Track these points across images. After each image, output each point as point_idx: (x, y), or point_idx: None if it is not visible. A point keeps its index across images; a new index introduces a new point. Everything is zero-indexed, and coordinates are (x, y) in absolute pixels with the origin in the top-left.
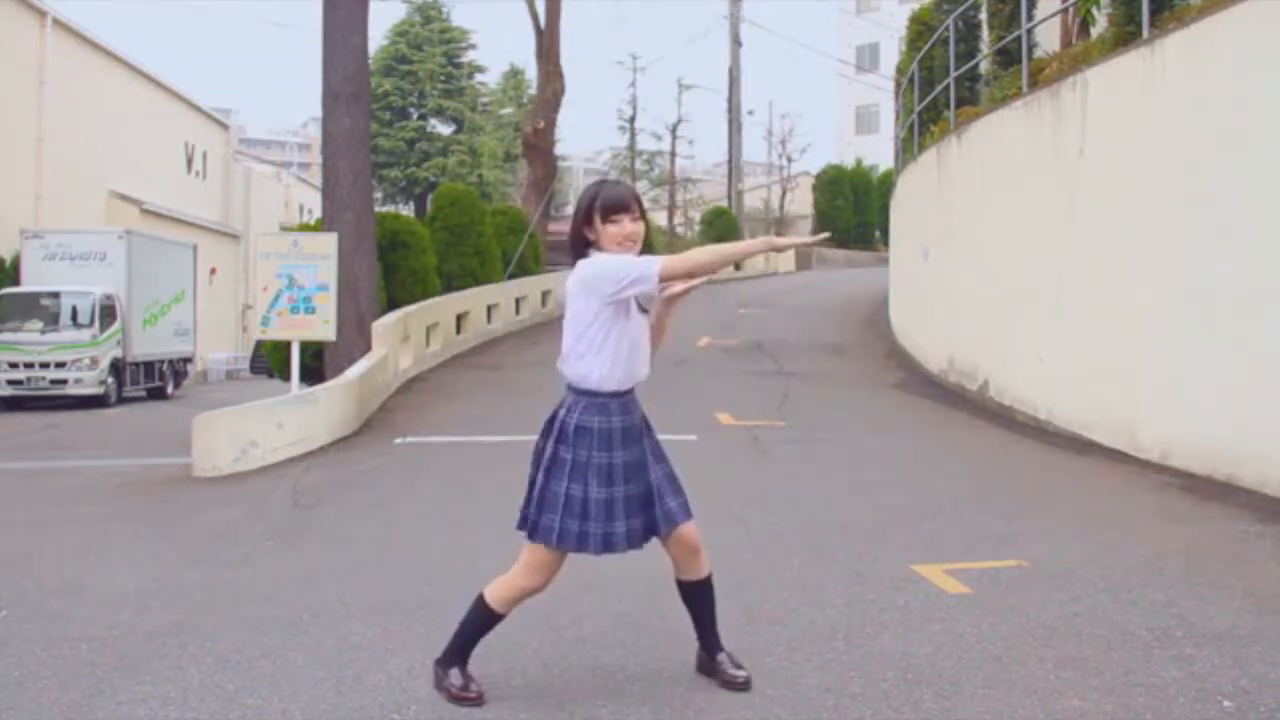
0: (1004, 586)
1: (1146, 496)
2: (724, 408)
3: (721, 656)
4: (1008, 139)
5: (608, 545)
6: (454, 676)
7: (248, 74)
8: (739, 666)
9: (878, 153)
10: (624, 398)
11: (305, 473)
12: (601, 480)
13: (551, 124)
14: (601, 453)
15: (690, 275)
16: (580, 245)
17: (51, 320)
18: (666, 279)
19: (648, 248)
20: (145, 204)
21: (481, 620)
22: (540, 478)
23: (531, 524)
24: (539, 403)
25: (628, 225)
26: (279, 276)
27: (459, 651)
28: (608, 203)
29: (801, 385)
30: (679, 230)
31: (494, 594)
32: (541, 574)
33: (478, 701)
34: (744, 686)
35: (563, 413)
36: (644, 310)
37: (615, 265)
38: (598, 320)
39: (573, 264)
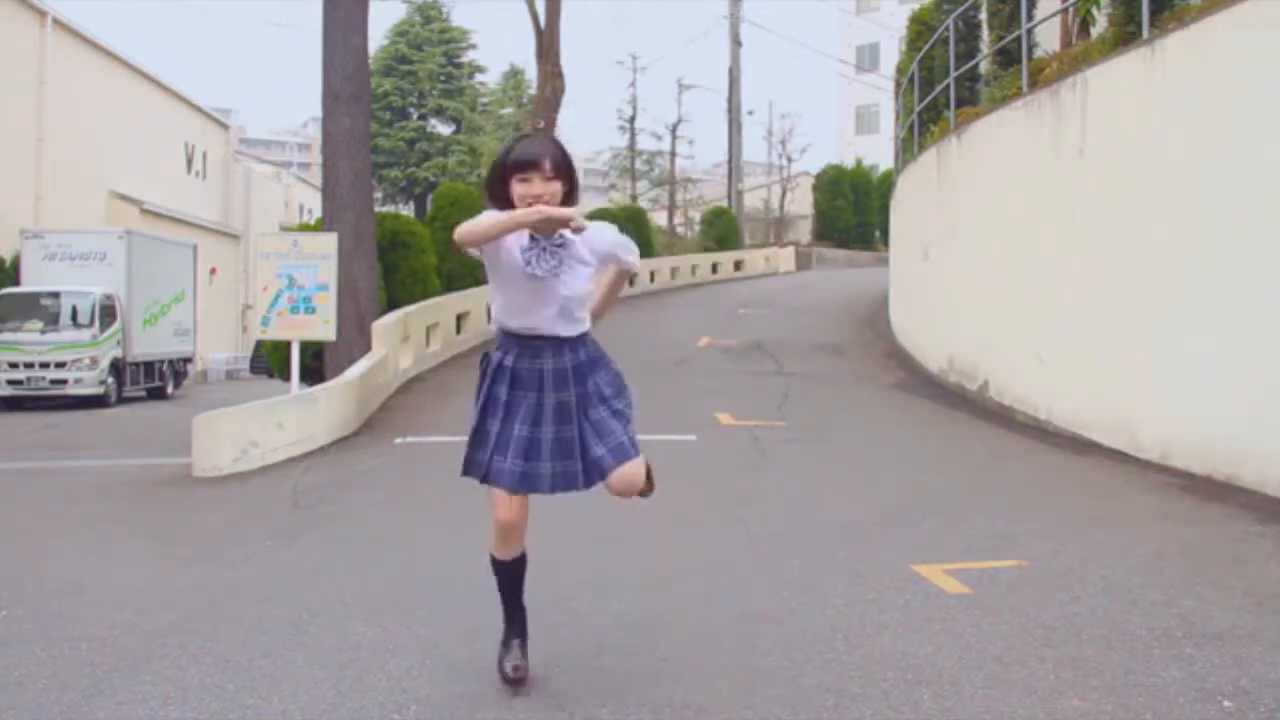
0: (1004, 586)
1: (1146, 496)
2: (724, 408)
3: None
4: (1008, 139)
5: (467, 468)
6: (510, 650)
7: (248, 74)
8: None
9: (878, 153)
10: (531, 342)
11: (305, 473)
12: (478, 407)
13: (551, 124)
14: (484, 381)
15: (464, 242)
16: (496, 200)
17: (51, 320)
18: (461, 243)
19: (646, 248)
20: (145, 204)
21: (497, 576)
22: None
23: None
24: None
25: (537, 186)
26: (279, 276)
27: (506, 621)
28: (516, 159)
29: (801, 385)
30: (679, 230)
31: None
32: (496, 509)
33: (513, 682)
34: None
35: None
36: (551, 275)
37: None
38: (489, 268)
39: None
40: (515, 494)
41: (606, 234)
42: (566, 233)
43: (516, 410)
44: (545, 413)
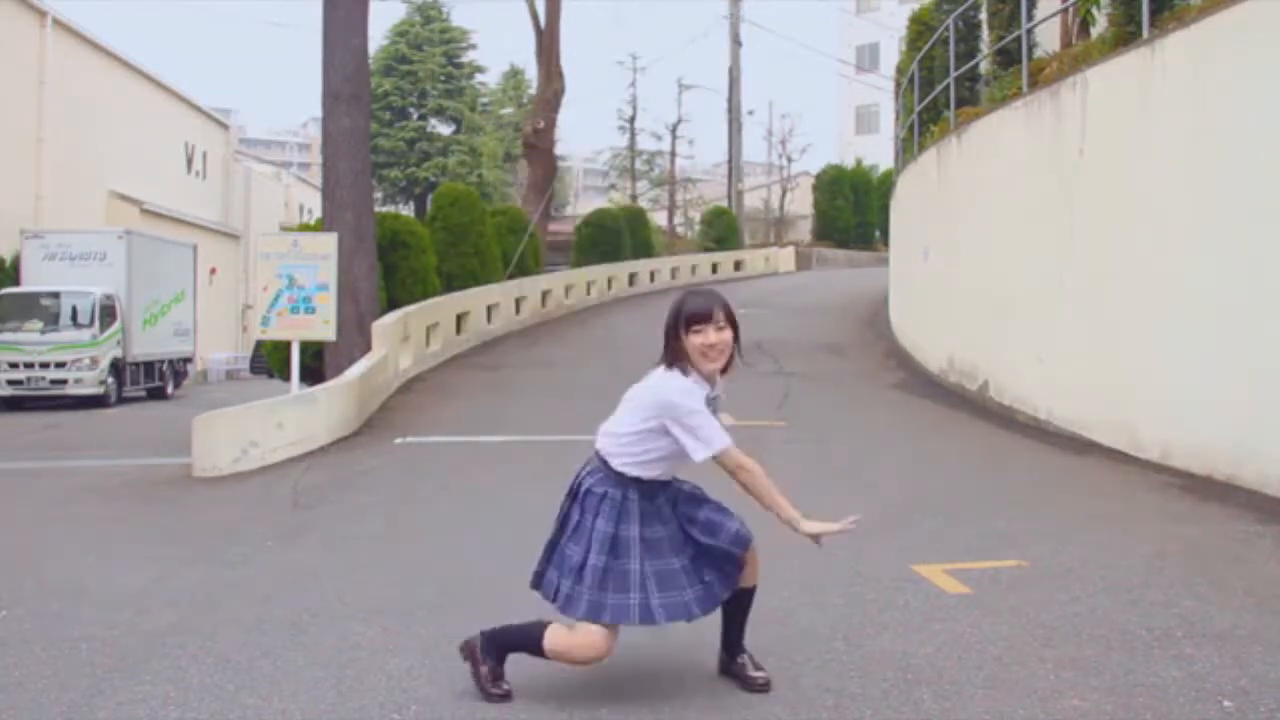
0: (1004, 586)
1: (1146, 496)
2: (724, 407)
3: (743, 659)
4: (1008, 139)
5: (616, 615)
6: (492, 668)
7: (248, 74)
8: (759, 668)
9: (878, 153)
10: (651, 485)
11: (305, 473)
12: (614, 549)
13: (551, 124)
14: (614, 520)
15: (736, 475)
16: (675, 350)
17: (51, 320)
18: (722, 462)
19: (646, 248)
20: (145, 204)
21: (529, 653)
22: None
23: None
24: (538, 402)
25: (711, 335)
26: (279, 276)
27: (499, 648)
28: (690, 314)
29: (801, 385)
30: (679, 230)
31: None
32: (599, 645)
33: (505, 698)
34: (764, 688)
35: (614, 492)
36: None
37: (690, 414)
38: (650, 435)
39: (664, 363)
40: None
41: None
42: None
43: (657, 546)
44: (669, 543)
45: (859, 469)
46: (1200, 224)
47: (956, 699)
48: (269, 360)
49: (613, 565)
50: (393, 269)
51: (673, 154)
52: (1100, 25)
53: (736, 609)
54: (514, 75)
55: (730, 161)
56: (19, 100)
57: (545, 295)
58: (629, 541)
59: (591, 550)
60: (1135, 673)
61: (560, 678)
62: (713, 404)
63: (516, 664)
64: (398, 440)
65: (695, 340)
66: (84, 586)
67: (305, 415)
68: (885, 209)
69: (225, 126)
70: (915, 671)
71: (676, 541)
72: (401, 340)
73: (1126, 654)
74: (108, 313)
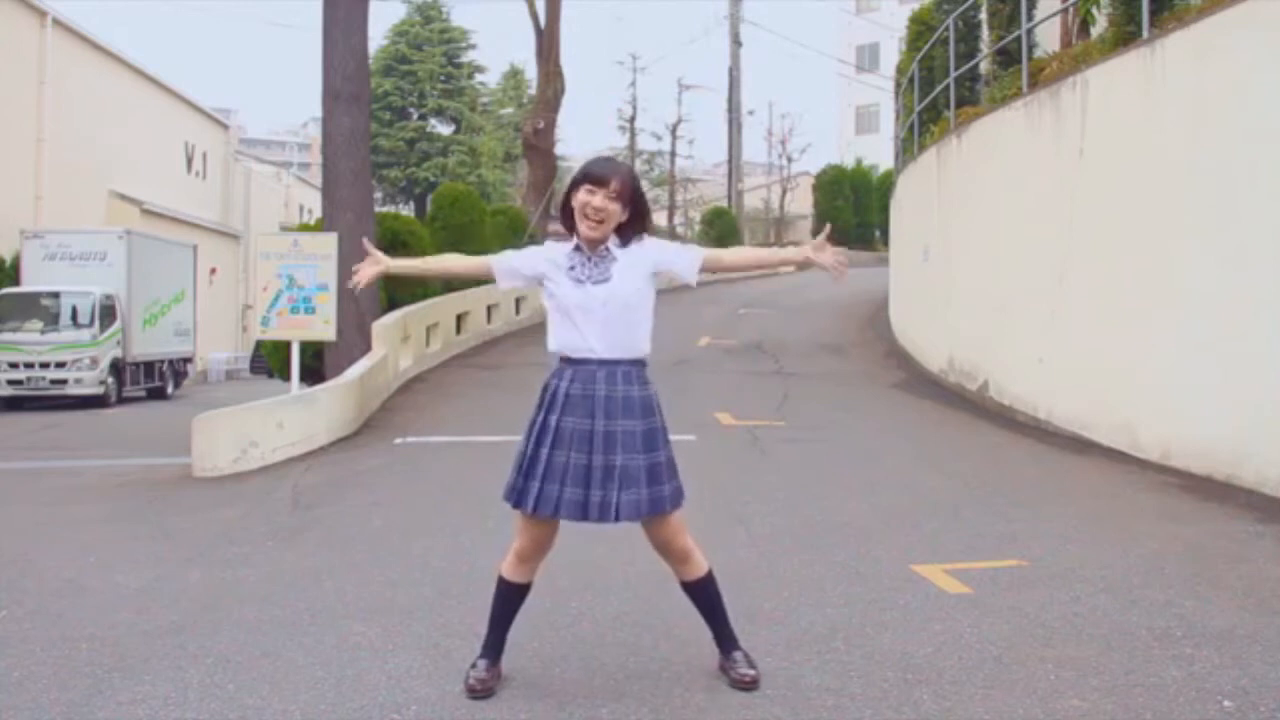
0: (1004, 586)
1: (1146, 496)
2: (724, 407)
3: (735, 655)
4: (1008, 139)
5: (520, 500)
6: (474, 667)
7: (248, 74)
8: (751, 666)
9: (878, 153)
10: (584, 366)
11: (305, 473)
12: (534, 438)
13: (551, 124)
14: (540, 412)
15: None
16: (565, 214)
17: (51, 320)
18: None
19: None
20: (145, 204)
21: (497, 591)
22: None
23: None
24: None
25: (598, 199)
26: (279, 276)
27: (484, 644)
28: (588, 172)
29: (801, 385)
30: (679, 230)
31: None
32: (520, 536)
33: (474, 692)
34: (749, 686)
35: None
36: (596, 282)
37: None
38: (545, 297)
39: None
40: (546, 520)
41: (656, 249)
42: (611, 246)
43: (566, 437)
44: (595, 440)
45: (859, 469)
46: (1200, 224)
47: (956, 699)
48: (269, 360)
49: (530, 452)
50: None
51: (673, 154)
52: (1100, 25)
53: (698, 604)
54: (514, 75)
55: (730, 161)
56: (19, 100)
57: None
58: (547, 428)
59: (529, 442)
60: (1135, 673)
61: (561, 677)
62: (598, 262)
63: (517, 663)
64: (398, 440)
65: (581, 196)
66: (84, 586)
67: (305, 415)
68: (885, 209)
69: (225, 126)
70: (915, 671)
71: (610, 441)
72: (401, 340)
73: (1126, 654)
74: (108, 313)
